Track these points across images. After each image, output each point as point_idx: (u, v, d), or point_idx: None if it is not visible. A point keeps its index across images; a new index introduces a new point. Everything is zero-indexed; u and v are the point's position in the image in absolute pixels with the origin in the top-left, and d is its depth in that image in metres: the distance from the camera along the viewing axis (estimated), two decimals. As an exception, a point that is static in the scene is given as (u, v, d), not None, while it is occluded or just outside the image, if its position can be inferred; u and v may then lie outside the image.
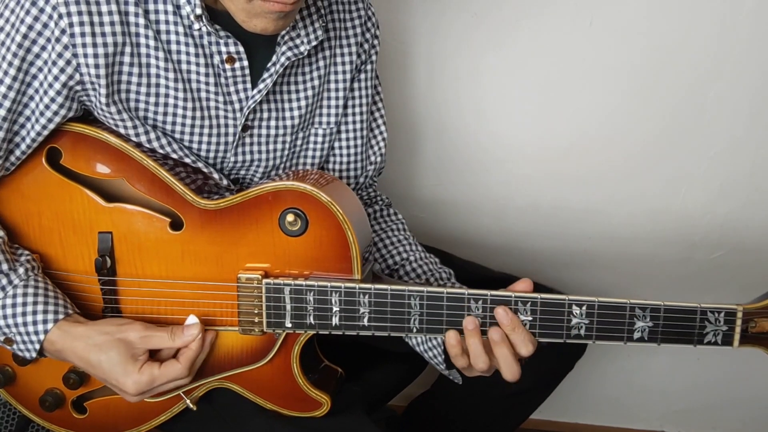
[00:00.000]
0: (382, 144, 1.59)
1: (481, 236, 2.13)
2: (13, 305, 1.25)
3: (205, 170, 1.35)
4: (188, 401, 1.36)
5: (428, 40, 1.93)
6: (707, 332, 1.21)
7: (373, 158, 1.58)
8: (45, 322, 1.25)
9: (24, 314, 1.24)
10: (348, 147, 1.53)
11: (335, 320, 1.26)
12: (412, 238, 1.58)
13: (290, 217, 1.24)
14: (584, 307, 1.21)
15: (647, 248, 2.09)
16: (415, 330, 1.25)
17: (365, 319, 1.26)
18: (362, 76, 1.50)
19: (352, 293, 1.25)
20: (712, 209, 2.04)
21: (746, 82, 1.90)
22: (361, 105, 1.52)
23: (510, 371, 1.24)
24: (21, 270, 1.27)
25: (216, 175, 1.37)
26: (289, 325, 1.28)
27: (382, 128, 1.59)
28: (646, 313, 1.20)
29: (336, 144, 1.53)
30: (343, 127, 1.52)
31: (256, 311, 1.29)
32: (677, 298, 1.20)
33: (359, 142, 1.54)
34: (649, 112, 1.96)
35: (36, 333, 1.25)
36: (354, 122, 1.52)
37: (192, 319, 1.29)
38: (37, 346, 1.26)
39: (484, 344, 1.24)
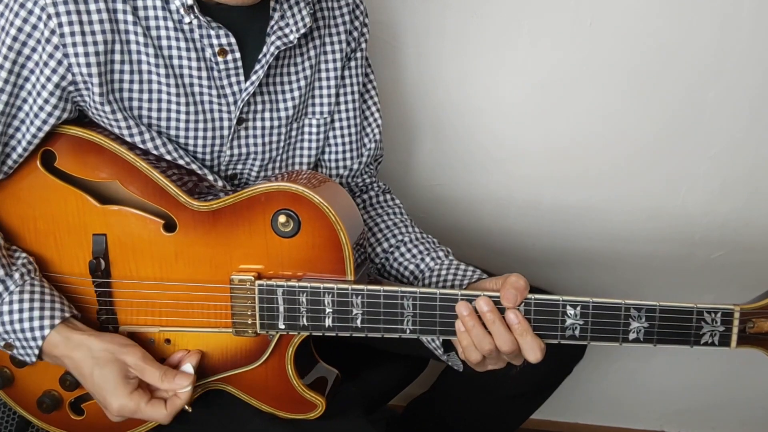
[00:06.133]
0: (376, 131, 1.59)
1: (480, 236, 2.12)
2: (10, 312, 1.25)
3: (199, 172, 1.35)
4: (184, 403, 1.36)
5: (427, 39, 1.93)
6: (704, 333, 1.20)
7: (368, 145, 1.58)
8: (42, 328, 1.25)
9: (21, 320, 1.25)
10: (342, 136, 1.53)
11: (328, 321, 1.26)
12: (408, 221, 1.56)
13: (282, 219, 1.24)
14: (578, 308, 1.20)
15: (647, 248, 2.09)
16: (408, 331, 1.25)
17: (358, 321, 1.25)
18: (352, 63, 1.51)
19: (344, 294, 1.25)
20: (713, 209, 2.03)
21: (746, 82, 1.89)
22: (352, 93, 1.52)
23: (504, 341, 1.21)
24: (17, 275, 1.27)
25: (210, 177, 1.37)
26: (282, 326, 1.28)
27: (376, 115, 1.59)
28: (642, 314, 1.19)
29: (330, 134, 1.53)
30: (336, 116, 1.52)
31: (249, 313, 1.29)
32: (677, 298, 1.19)
33: (353, 130, 1.54)
34: (649, 111, 1.95)
35: (34, 339, 1.25)
36: (347, 110, 1.52)
37: (188, 368, 1.30)
38: (36, 351, 1.26)
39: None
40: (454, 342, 1.31)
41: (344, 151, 1.54)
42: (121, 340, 1.29)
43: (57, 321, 1.26)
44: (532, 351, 1.21)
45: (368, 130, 1.58)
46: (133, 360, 1.26)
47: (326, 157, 1.55)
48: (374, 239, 1.52)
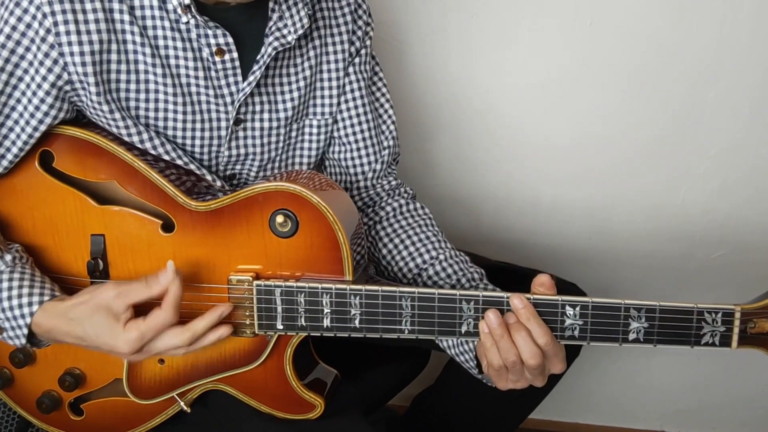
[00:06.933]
0: (392, 127, 1.58)
1: (481, 235, 2.12)
2: None
3: (197, 172, 1.35)
4: (182, 403, 1.36)
5: (428, 40, 1.93)
6: (704, 333, 1.19)
7: (385, 142, 1.57)
8: (30, 304, 1.23)
9: (9, 298, 1.24)
10: (355, 134, 1.52)
11: (326, 322, 1.26)
12: (441, 234, 1.55)
13: (280, 219, 1.24)
14: (578, 308, 1.20)
15: (647, 247, 2.09)
16: (407, 332, 1.24)
17: (356, 321, 1.25)
18: (357, 60, 1.50)
19: (343, 295, 1.24)
20: (713, 208, 2.03)
21: (746, 82, 1.89)
22: (360, 89, 1.51)
23: (530, 352, 1.20)
24: (8, 257, 1.26)
25: (209, 177, 1.36)
26: (281, 326, 1.28)
27: (390, 112, 1.59)
28: (641, 314, 1.19)
29: (342, 133, 1.52)
30: (345, 114, 1.51)
31: (247, 313, 1.28)
32: (677, 298, 1.19)
33: (365, 126, 1.53)
34: (649, 111, 1.95)
35: (23, 316, 1.24)
36: (356, 107, 1.51)
37: (169, 266, 1.22)
38: (25, 331, 1.24)
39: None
40: (479, 356, 1.30)
41: (359, 149, 1.54)
42: (90, 287, 1.25)
43: (46, 298, 1.24)
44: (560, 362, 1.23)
45: (384, 127, 1.58)
46: (110, 294, 1.21)
47: (342, 156, 1.54)
48: (407, 252, 1.50)
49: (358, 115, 1.52)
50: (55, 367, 1.38)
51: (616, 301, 1.19)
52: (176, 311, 1.20)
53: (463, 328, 1.24)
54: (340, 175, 1.56)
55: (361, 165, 1.55)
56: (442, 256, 1.48)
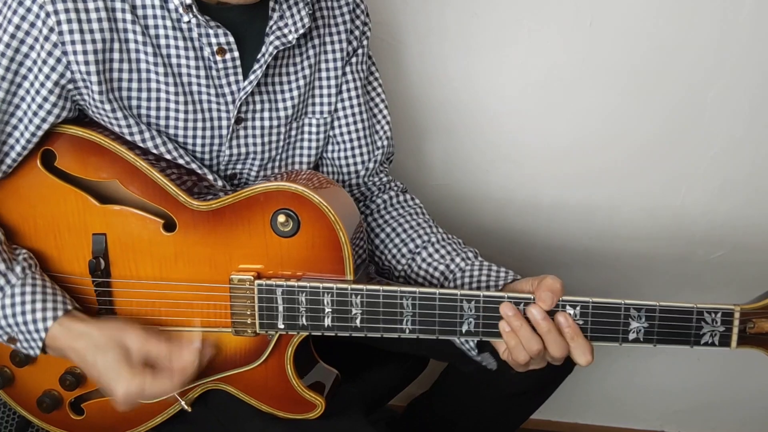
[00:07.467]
0: (386, 127, 1.59)
1: (481, 236, 2.12)
2: (12, 305, 1.24)
3: (199, 172, 1.35)
4: (183, 403, 1.35)
5: (427, 39, 1.93)
6: (704, 333, 1.20)
7: (379, 142, 1.58)
8: (44, 320, 1.24)
9: (23, 313, 1.24)
10: (350, 133, 1.53)
11: (327, 321, 1.26)
12: (431, 221, 1.56)
13: (282, 218, 1.24)
14: (578, 308, 1.20)
15: (647, 247, 2.09)
16: (407, 331, 1.25)
17: (357, 320, 1.25)
18: (353, 60, 1.51)
19: (344, 294, 1.25)
20: (712, 209, 2.03)
21: (746, 82, 1.89)
22: (356, 89, 1.51)
23: (558, 347, 1.22)
24: (18, 269, 1.27)
25: (210, 176, 1.37)
26: (282, 326, 1.28)
27: (385, 112, 1.59)
28: (641, 314, 1.19)
29: (337, 131, 1.52)
30: (341, 113, 1.51)
31: (248, 312, 1.29)
32: (677, 297, 1.19)
33: (360, 126, 1.53)
34: (649, 111, 1.95)
35: (37, 331, 1.24)
36: (352, 106, 1.52)
37: (195, 342, 1.27)
38: (40, 344, 1.25)
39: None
40: (495, 344, 1.30)
41: (353, 148, 1.54)
42: (120, 325, 1.27)
43: (60, 313, 1.25)
44: (583, 354, 1.22)
45: (378, 127, 1.58)
46: (135, 341, 1.24)
47: (336, 155, 1.54)
48: (399, 239, 1.51)
49: (353, 115, 1.52)
50: (55, 366, 1.37)
51: (616, 301, 1.20)
52: (182, 386, 1.24)
53: (464, 328, 1.24)
54: (333, 174, 1.56)
55: (355, 164, 1.55)
56: (434, 239, 1.49)
